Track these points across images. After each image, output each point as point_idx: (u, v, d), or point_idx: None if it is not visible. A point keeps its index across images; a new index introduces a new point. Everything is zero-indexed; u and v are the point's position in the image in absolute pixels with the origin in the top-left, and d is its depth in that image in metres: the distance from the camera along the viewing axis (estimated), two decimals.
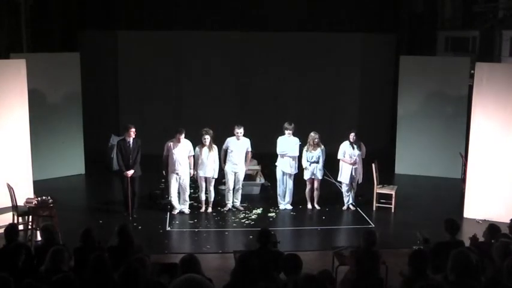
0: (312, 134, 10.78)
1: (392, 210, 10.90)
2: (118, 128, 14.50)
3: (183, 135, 10.44)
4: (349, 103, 15.60)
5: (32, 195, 9.62)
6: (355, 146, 10.75)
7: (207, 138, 10.45)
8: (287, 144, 10.76)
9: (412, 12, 16.99)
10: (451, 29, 16.52)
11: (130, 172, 10.28)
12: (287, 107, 15.24)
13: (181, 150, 10.44)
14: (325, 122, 15.41)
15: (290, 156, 10.77)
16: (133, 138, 10.41)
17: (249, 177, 12.09)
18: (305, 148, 10.79)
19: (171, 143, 10.47)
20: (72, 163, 12.99)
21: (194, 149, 10.57)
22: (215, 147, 10.61)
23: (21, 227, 8.93)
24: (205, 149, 10.50)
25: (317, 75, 15.36)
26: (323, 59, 15.30)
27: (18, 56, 11.28)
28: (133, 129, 10.35)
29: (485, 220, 9.57)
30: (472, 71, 11.88)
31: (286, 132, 10.78)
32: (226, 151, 10.77)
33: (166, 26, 14.93)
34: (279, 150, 10.83)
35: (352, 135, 10.75)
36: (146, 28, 14.92)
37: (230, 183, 10.85)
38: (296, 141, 10.79)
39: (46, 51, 13.23)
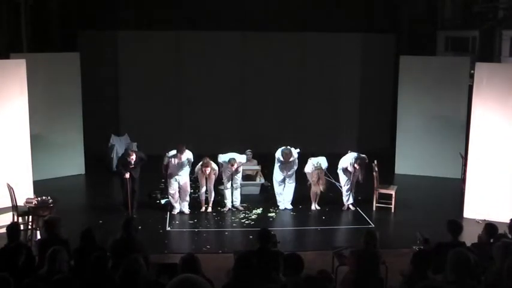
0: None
1: (392, 210, 10.90)
2: (118, 128, 14.52)
3: (184, 154, 10.43)
4: (349, 103, 15.59)
5: (32, 195, 9.62)
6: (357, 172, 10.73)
7: (207, 171, 10.44)
8: (287, 169, 10.78)
9: (412, 12, 16.98)
10: (451, 29, 16.49)
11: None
12: (287, 106, 15.26)
13: (182, 160, 10.46)
14: (325, 122, 15.44)
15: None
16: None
17: (249, 177, 12.10)
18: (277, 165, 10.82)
19: (173, 159, 10.42)
20: (72, 163, 12.99)
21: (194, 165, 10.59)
22: (216, 171, 10.61)
23: (21, 227, 8.93)
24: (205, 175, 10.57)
25: (317, 75, 15.35)
26: (323, 59, 15.29)
27: (18, 56, 11.26)
28: (133, 156, 10.27)
29: (485, 220, 9.54)
30: (472, 71, 11.87)
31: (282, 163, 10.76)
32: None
33: (166, 26, 14.92)
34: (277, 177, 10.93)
35: (357, 167, 10.60)
36: (146, 28, 14.92)
37: (228, 184, 10.86)
38: (295, 163, 10.77)
39: (46, 51, 13.22)
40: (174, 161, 10.41)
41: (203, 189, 10.80)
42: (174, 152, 10.42)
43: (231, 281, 4.94)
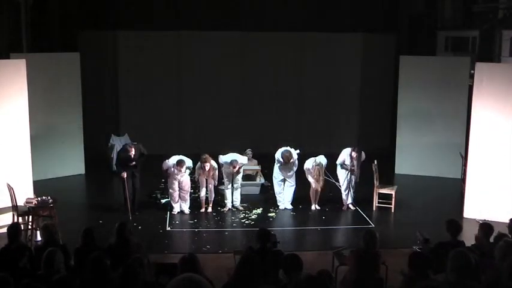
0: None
1: (392, 210, 10.89)
2: (118, 128, 14.53)
3: (184, 166, 10.41)
4: (349, 103, 15.59)
5: (32, 195, 9.61)
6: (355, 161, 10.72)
7: (207, 167, 10.41)
8: (286, 170, 10.76)
9: (412, 12, 16.99)
10: (451, 29, 16.50)
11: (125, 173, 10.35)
12: (287, 106, 15.27)
13: (182, 171, 10.47)
14: (325, 122, 15.44)
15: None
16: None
17: (249, 177, 12.10)
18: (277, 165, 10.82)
19: (172, 168, 10.38)
20: (72, 163, 12.98)
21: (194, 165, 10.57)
22: (216, 170, 10.57)
23: (21, 227, 8.92)
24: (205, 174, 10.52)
25: (317, 75, 15.35)
26: (323, 59, 15.29)
27: (18, 56, 11.27)
28: (132, 152, 10.31)
29: (485, 220, 9.53)
30: (472, 71, 11.88)
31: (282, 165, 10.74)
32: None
33: (166, 26, 14.93)
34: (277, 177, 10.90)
35: (354, 155, 10.62)
36: (146, 28, 14.92)
37: (228, 184, 10.85)
38: (295, 164, 10.75)
39: (46, 51, 13.22)
40: (174, 170, 10.41)
41: (203, 190, 10.79)
42: (173, 160, 10.38)
43: (231, 280, 4.94)
